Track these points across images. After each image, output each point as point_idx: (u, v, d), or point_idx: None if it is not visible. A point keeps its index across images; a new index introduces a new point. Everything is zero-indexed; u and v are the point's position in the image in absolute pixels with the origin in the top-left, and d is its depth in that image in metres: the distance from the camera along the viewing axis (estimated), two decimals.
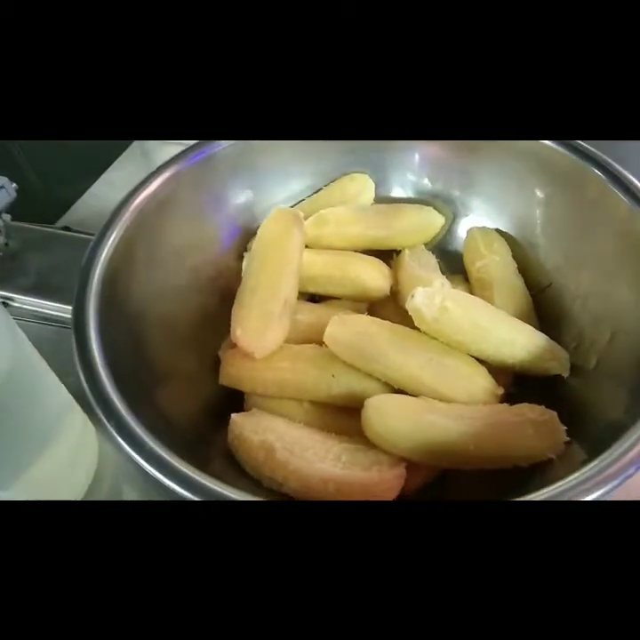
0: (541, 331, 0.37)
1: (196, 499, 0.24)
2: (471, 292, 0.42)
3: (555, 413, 0.31)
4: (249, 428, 0.33)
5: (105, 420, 0.27)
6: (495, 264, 0.42)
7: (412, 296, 0.34)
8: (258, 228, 0.40)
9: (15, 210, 0.49)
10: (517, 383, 0.37)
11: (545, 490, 0.24)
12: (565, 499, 0.23)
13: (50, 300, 0.46)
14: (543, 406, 0.32)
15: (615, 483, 0.23)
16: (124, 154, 0.63)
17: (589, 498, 0.23)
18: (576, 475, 0.24)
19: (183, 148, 0.41)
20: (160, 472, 0.25)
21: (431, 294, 0.34)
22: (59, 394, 0.34)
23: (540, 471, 0.30)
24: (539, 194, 0.41)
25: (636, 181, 0.36)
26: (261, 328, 0.35)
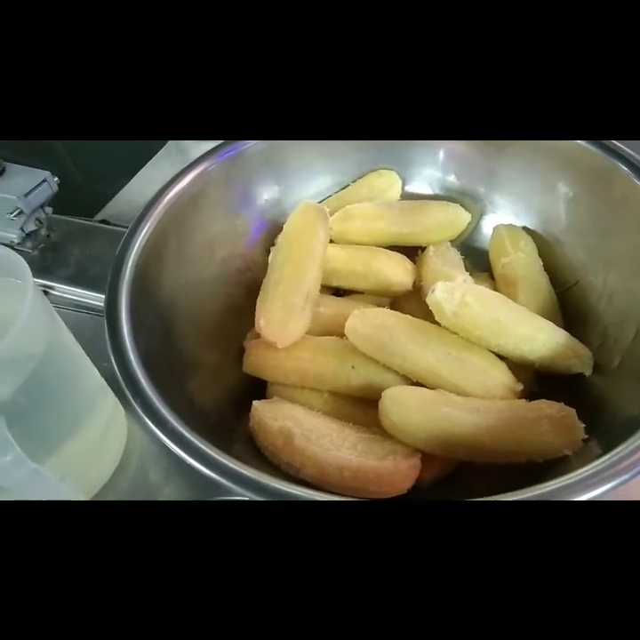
0: (566, 328, 0.37)
1: (213, 475, 0.26)
2: (496, 289, 0.42)
3: (573, 410, 0.31)
4: (269, 414, 0.34)
5: (131, 399, 0.28)
6: (520, 261, 0.41)
7: (433, 290, 0.34)
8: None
9: (57, 203, 0.52)
10: (541, 382, 0.37)
11: (553, 481, 0.24)
12: (572, 491, 0.23)
13: (88, 290, 0.49)
14: (562, 403, 0.32)
15: (626, 477, 0.23)
16: (160, 151, 0.65)
17: (597, 492, 0.23)
18: (585, 468, 0.24)
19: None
20: (180, 448, 0.27)
21: (451, 289, 0.34)
22: (92, 377, 0.36)
23: (555, 466, 0.29)
24: (566, 191, 0.41)
25: None
26: (284, 319, 0.36)
